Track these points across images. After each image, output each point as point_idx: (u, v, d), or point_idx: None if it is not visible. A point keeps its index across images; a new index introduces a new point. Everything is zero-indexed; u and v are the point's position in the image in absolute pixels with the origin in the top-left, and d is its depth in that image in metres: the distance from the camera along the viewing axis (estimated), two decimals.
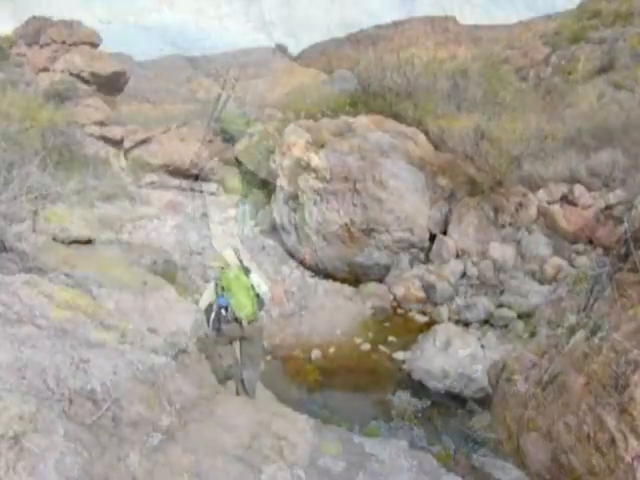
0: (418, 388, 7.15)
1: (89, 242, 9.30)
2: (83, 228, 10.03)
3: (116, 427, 4.36)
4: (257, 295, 5.40)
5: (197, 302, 6.08)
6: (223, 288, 5.35)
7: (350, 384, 7.45)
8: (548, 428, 3.04)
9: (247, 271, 5.52)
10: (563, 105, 14.64)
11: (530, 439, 3.11)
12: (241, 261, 5.66)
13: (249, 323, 5.31)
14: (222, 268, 5.49)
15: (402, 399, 7.04)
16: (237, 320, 5.30)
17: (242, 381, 5.73)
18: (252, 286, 5.37)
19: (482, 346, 7.92)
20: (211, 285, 5.58)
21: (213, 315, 5.40)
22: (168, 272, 9.12)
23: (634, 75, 15.07)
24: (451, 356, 7.34)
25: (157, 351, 5.76)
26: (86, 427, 4.13)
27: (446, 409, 6.83)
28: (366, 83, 14.09)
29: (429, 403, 6.94)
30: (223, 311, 5.32)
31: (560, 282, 8.60)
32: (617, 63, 20.45)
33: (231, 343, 5.63)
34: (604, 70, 20.47)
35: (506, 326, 8.54)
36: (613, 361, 2.59)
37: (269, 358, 7.78)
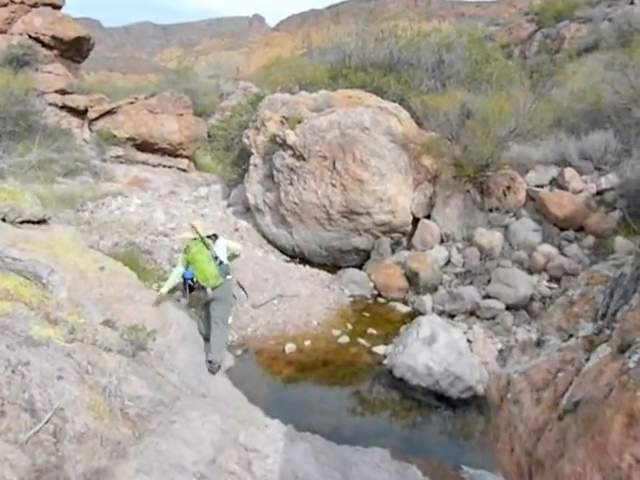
0: (400, 386, 6.61)
1: (43, 222, 8.45)
2: (37, 206, 9.14)
3: (58, 443, 3.72)
4: (220, 263, 6.17)
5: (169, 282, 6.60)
6: (188, 261, 6.22)
7: (327, 382, 6.88)
8: (572, 472, 2.43)
9: (215, 237, 6.38)
10: (550, 84, 14.12)
11: None
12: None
13: (213, 289, 6.16)
14: (194, 239, 6.23)
15: (383, 399, 6.51)
16: (203, 287, 6.18)
17: (209, 341, 6.37)
18: (213, 256, 6.14)
19: (469, 340, 7.44)
20: (179, 262, 6.49)
21: (185, 285, 6.34)
22: (131, 255, 8.38)
23: (622, 55, 14.59)
24: (436, 351, 6.79)
25: (112, 349, 5.10)
26: (19, 446, 3.50)
27: (431, 411, 6.32)
28: (347, 56, 13.32)
29: (413, 404, 6.42)
30: (190, 282, 6.26)
31: (569, 281, 8.16)
32: (603, 43, 20.12)
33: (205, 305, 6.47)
34: (590, 50, 20.14)
35: (493, 318, 8.06)
36: None
37: (239, 352, 7.15)
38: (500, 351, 7.35)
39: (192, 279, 6.22)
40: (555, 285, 8.40)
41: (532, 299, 8.14)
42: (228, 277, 6.26)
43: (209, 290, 6.13)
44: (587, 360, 2.97)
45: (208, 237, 6.29)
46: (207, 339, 6.47)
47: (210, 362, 6.21)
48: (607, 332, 2.96)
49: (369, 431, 5.87)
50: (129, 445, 4.04)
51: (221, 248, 6.29)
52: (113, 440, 3.98)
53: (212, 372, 6.20)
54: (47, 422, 3.74)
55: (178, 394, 5.10)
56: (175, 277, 6.45)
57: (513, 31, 22.71)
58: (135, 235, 9.33)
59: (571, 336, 3.59)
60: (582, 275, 4.04)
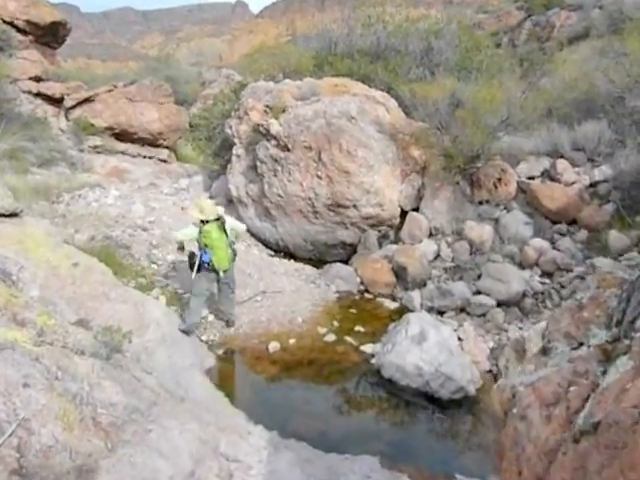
0: (389, 387, 6.33)
1: (15, 215, 7.98)
2: (9, 198, 8.64)
3: (22, 458, 3.37)
4: (234, 250, 6.58)
5: (176, 236, 6.91)
6: (207, 245, 6.34)
7: (313, 382, 6.59)
8: None
9: (223, 222, 6.50)
10: (540, 73, 13.87)
11: None
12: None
13: (224, 272, 6.56)
14: (202, 222, 6.37)
15: (371, 401, 6.23)
16: (215, 270, 6.48)
17: (222, 312, 7.13)
18: (229, 243, 6.47)
19: (459, 338, 7.19)
20: (193, 229, 6.55)
21: (197, 265, 6.45)
22: (107, 250, 7.98)
23: (615, 43, 14.33)
24: (426, 351, 6.51)
25: (84, 351, 4.72)
26: None
27: (422, 413, 6.05)
28: (332, 43, 12.93)
29: (402, 405, 6.15)
30: (206, 265, 6.42)
31: (562, 277, 7.92)
32: (594, 31, 19.86)
33: (212, 281, 6.74)
34: (580, 38, 19.87)
35: (484, 315, 7.82)
36: None
37: (221, 351, 6.82)
38: (492, 350, 7.11)
39: (208, 262, 6.41)
40: (547, 280, 8.17)
41: (524, 295, 7.89)
42: (235, 260, 6.77)
43: (221, 273, 6.55)
44: (604, 373, 2.68)
45: (216, 220, 6.43)
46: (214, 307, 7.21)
47: (227, 321, 7.15)
48: (626, 342, 2.68)
49: (357, 435, 5.60)
50: (101, 458, 3.70)
51: (230, 234, 6.58)
52: (84, 453, 3.64)
53: (230, 326, 7.16)
54: (11, 435, 3.39)
55: (155, 399, 4.75)
56: (186, 236, 6.67)
57: (502, 19, 22.47)
58: (112, 229, 8.91)
59: (581, 344, 3.31)
60: (592, 277, 3.76)
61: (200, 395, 5.64)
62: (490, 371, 6.68)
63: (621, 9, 19.31)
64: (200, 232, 6.39)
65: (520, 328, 7.42)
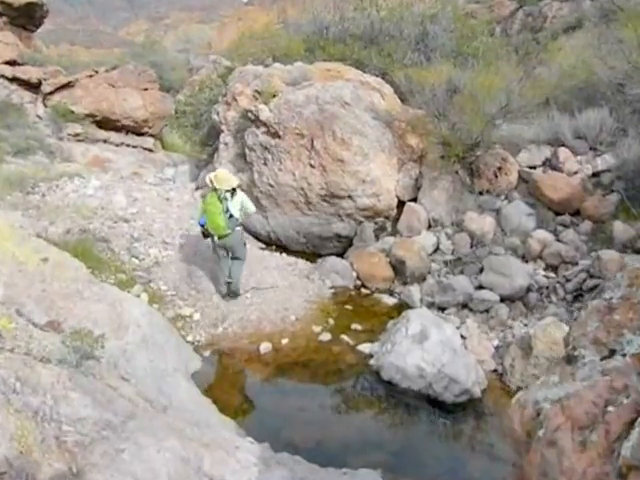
0: (389, 390, 5.92)
1: None
2: None
3: None
4: (230, 216, 6.73)
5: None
6: (204, 210, 6.86)
7: (307, 386, 6.18)
8: None
9: (234, 191, 6.86)
10: (537, 61, 13.46)
11: None
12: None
13: (219, 238, 6.84)
14: (213, 190, 6.78)
15: (370, 406, 5.81)
16: (212, 235, 6.88)
17: (228, 284, 7.28)
18: (224, 210, 6.68)
19: (462, 336, 6.77)
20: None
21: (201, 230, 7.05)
22: (84, 244, 7.44)
23: (610, 32, 14.00)
24: (427, 350, 6.10)
25: (50, 359, 4.19)
26: None
27: (424, 418, 5.66)
28: (324, 27, 12.40)
29: (403, 410, 5.74)
30: (202, 228, 6.97)
31: (567, 270, 7.55)
32: (586, 22, 19.66)
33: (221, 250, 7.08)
34: (573, 28, 19.63)
35: (487, 311, 7.41)
36: None
37: (208, 353, 6.33)
38: (496, 348, 6.76)
39: (203, 226, 6.88)
40: (552, 274, 7.83)
41: (529, 290, 7.53)
42: (237, 229, 6.93)
43: (216, 239, 6.85)
44: None
45: (227, 191, 6.74)
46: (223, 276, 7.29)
47: (231, 293, 7.30)
48: None
49: (356, 445, 5.18)
50: None
51: (236, 204, 6.83)
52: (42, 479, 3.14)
53: (232, 297, 7.31)
54: None
55: (132, 410, 4.24)
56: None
57: (494, 9, 22.20)
58: (90, 221, 8.36)
59: (613, 352, 2.84)
60: (622, 273, 3.30)
61: (184, 402, 5.15)
62: (495, 370, 6.35)
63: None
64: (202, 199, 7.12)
65: (525, 324, 7.09)
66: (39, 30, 16.47)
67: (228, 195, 6.72)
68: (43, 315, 5.13)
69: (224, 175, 7.01)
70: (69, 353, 4.29)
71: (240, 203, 6.91)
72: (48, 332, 4.74)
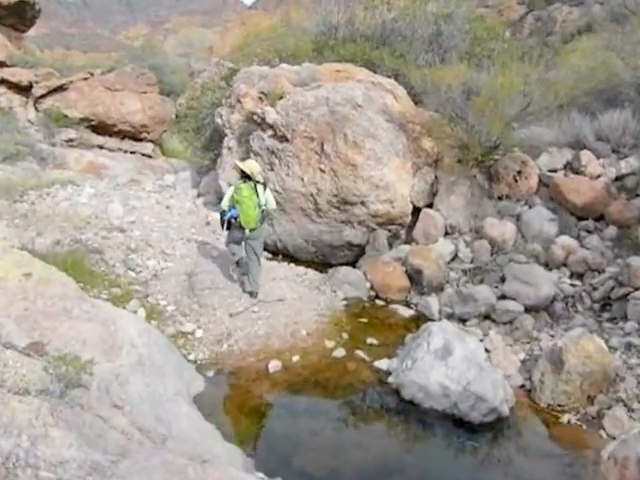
0: (410, 410, 5.42)
1: None
2: None
3: None
4: (262, 211, 6.75)
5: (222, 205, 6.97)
6: (237, 201, 6.65)
7: (321, 408, 5.66)
8: None
9: (264, 186, 6.86)
10: (551, 64, 13.10)
11: None
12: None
13: (250, 231, 6.75)
14: (249, 181, 6.70)
15: (390, 428, 5.32)
16: (242, 227, 6.74)
17: (247, 275, 7.10)
18: (259, 204, 6.66)
19: (486, 350, 6.26)
20: (231, 189, 6.87)
21: (226, 221, 6.81)
22: (75, 256, 6.92)
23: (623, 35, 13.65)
24: (452, 367, 5.62)
25: (29, 389, 3.63)
26: None
27: (450, 440, 5.17)
28: (333, 27, 11.96)
29: (426, 432, 5.27)
30: (233, 220, 6.74)
31: (594, 278, 7.09)
32: (596, 26, 19.55)
33: (240, 242, 7.00)
34: (583, 32, 19.48)
35: (511, 322, 6.93)
36: None
37: (212, 373, 5.79)
38: (523, 361, 6.28)
39: (235, 218, 6.69)
40: (578, 282, 7.43)
41: (554, 299, 7.07)
42: (263, 225, 6.98)
43: (247, 232, 6.75)
44: None
45: (262, 183, 6.81)
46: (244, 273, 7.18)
47: (250, 293, 7.08)
48: None
49: (376, 472, 4.67)
50: None
51: (264, 198, 6.77)
52: None
53: (253, 297, 7.07)
54: None
55: (125, 445, 3.67)
56: (227, 200, 6.85)
57: (503, 13, 22.11)
58: (82, 231, 7.88)
59: None
60: None
61: (185, 431, 4.59)
62: (523, 386, 5.91)
63: (625, 3, 18.97)
64: (235, 189, 6.74)
65: (552, 336, 6.67)
66: (33, 33, 16.03)
67: (261, 188, 6.71)
68: (24, 337, 4.57)
69: (255, 165, 6.94)
70: (52, 382, 3.74)
71: (266, 199, 6.83)
72: (29, 356, 4.19)
